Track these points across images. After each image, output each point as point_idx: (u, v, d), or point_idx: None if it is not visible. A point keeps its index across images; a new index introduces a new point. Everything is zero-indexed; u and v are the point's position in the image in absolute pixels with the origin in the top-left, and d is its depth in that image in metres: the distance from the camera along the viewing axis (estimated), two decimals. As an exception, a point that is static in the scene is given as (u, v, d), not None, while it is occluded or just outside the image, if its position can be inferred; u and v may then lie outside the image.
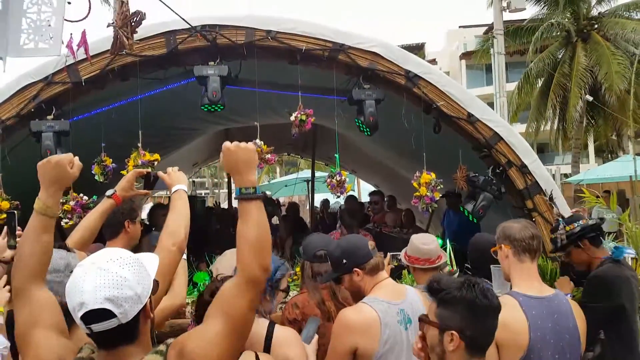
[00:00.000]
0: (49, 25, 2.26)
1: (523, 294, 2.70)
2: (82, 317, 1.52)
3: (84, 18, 2.48)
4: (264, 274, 1.78)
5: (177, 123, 7.55)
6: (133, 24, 2.82)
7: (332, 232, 6.28)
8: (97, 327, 1.52)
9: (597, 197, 5.01)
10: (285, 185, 16.29)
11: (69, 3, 2.33)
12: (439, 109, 4.98)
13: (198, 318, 2.33)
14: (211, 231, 7.68)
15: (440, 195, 4.92)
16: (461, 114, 4.98)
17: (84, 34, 2.61)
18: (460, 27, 43.31)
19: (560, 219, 4.02)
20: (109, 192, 2.82)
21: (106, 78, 4.84)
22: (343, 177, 4.82)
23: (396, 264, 4.23)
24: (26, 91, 4.80)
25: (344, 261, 2.89)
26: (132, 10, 2.86)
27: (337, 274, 2.97)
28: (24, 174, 5.24)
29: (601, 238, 3.63)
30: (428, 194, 4.78)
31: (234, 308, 1.71)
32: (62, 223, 4.71)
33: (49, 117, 4.82)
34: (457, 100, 4.98)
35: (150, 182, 2.83)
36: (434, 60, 39.70)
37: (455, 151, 5.26)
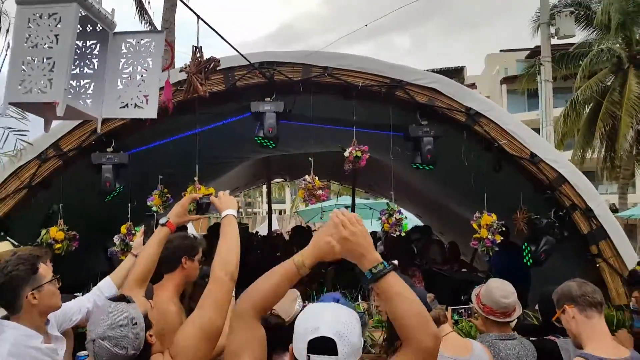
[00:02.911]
0: (146, 86, 2.24)
1: (597, 356, 2.51)
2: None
3: (168, 67, 2.48)
4: (434, 341, 1.71)
5: (225, 153, 7.58)
6: (207, 70, 2.81)
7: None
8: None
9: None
10: (323, 211, 16.12)
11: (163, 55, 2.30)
12: (501, 147, 4.83)
13: None
14: (254, 260, 7.61)
15: (502, 238, 4.72)
16: (524, 154, 4.82)
17: (168, 85, 2.60)
18: (501, 50, 42.78)
19: None
20: (162, 220, 2.79)
21: (165, 113, 4.86)
22: (401, 216, 4.69)
23: (456, 318, 4.01)
24: (87, 124, 4.89)
25: None
26: (205, 56, 2.86)
27: None
28: (82, 204, 5.38)
29: None
30: (489, 236, 4.60)
31: None
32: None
33: (108, 150, 4.90)
34: (520, 139, 4.82)
35: (203, 207, 2.83)
36: (474, 84, 39.15)
37: (515, 191, 5.07)
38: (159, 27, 14.25)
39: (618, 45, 20.66)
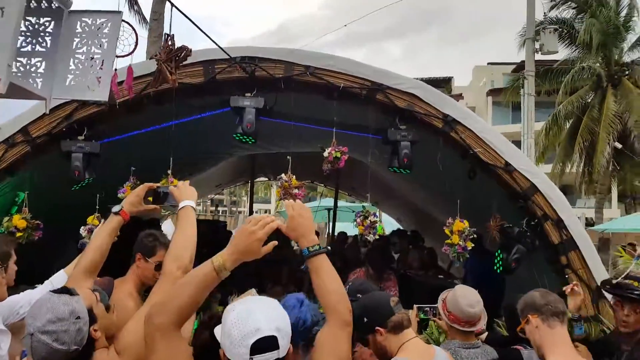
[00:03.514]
0: (99, 69, 2.16)
1: None
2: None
3: (131, 53, 2.44)
4: (350, 315, 2.04)
5: (206, 148, 7.52)
6: (178, 59, 2.76)
7: (356, 270, 6.10)
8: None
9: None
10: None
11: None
12: (476, 155, 4.86)
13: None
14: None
15: (473, 245, 4.74)
16: (498, 162, 4.85)
17: (130, 72, 2.54)
18: (488, 63, 43.24)
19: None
20: (115, 208, 2.62)
21: (141, 102, 4.82)
22: (376, 219, 4.69)
23: (422, 317, 4.00)
24: (59, 110, 4.80)
25: (365, 319, 2.69)
26: (177, 44, 2.81)
27: (360, 333, 2.78)
28: (50, 193, 5.27)
29: None
30: (460, 242, 4.62)
31: (339, 352, 1.99)
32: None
33: (79, 138, 4.81)
34: (495, 147, 4.86)
35: (161, 197, 2.68)
36: (461, 95, 39.50)
37: (489, 199, 5.11)
38: (148, 19, 14.13)
39: (598, 64, 21.07)
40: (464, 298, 3.23)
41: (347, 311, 2.03)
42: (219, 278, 1.83)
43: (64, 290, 2.02)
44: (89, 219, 4.82)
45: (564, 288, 3.62)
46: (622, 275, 3.52)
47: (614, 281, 3.57)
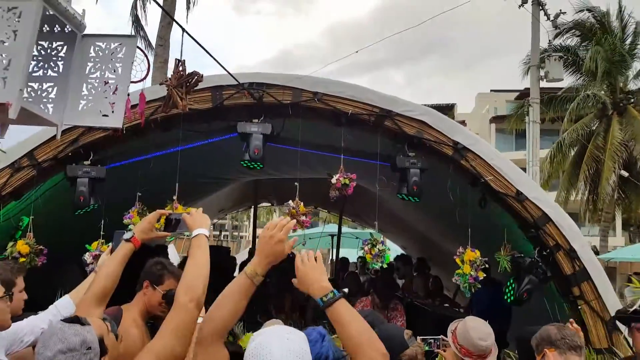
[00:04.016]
0: (113, 94, 2.11)
1: None
2: None
3: (144, 78, 2.41)
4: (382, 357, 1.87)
5: (211, 173, 7.48)
6: (188, 84, 2.73)
7: (362, 299, 5.98)
8: None
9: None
10: (310, 238, 15.97)
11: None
12: (487, 183, 4.79)
13: None
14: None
15: (484, 275, 4.63)
16: (509, 191, 4.78)
17: (142, 97, 2.50)
18: (491, 90, 43.49)
19: None
20: (126, 236, 2.56)
21: (148, 127, 4.77)
22: (384, 247, 4.60)
23: (427, 349, 3.86)
24: (66, 134, 4.75)
25: None
26: (188, 70, 2.78)
27: None
28: (54, 217, 5.21)
29: None
30: (472, 272, 4.52)
31: None
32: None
33: (85, 163, 4.76)
34: (506, 176, 4.79)
35: (172, 224, 2.63)
36: (464, 121, 39.65)
37: (500, 228, 5.02)
38: (154, 45, 14.29)
39: (603, 92, 21.16)
40: (476, 331, 3.14)
41: (378, 354, 1.86)
42: (254, 284, 1.92)
43: (75, 320, 1.95)
44: (94, 245, 4.74)
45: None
46: (637, 304, 3.42)
47: (630, 309, 3.46)
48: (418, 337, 3.75)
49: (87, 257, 4.63)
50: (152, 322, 3.14)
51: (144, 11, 15.72)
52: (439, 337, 3.72)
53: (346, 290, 2.14)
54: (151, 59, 13.07)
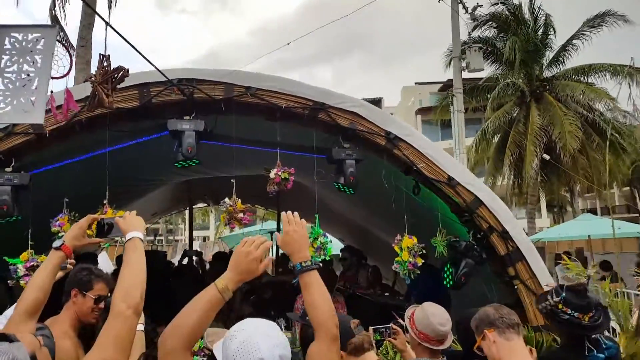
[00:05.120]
0: (34, 88, 1.95)
1: None
2: None
3: (66, 74, 2.25)
4: (338, 330, 2.13)
5: (143, 174, 7.21)
6: (114, 80, 2.59)
7: (301, 295, 5.96)
8: None
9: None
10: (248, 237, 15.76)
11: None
12: (419, 171, 4.90)
13: None
14: (173, 292, 7.21)
15: (423, 261, 4.74)
16: (441, 177, 4.91)
17: (69, 94, 2.34)
18: (416, 83, 44.71)
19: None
20: (56, 243, 2.44)
21: (72, 130, 4.54)
22: (326, 240, 4.60)
23: (378, 338, 3.92)
24: (-17, 140, 4.43)
25: None
26: (113, 65, 2.65)
27: None
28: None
29: None
30: (410, 259, 4.61)
31: None
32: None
33: (7, 170, 4.46)
34: (438, 163, 4.92)
35: (105, 229, 2.53)
36: (391, 114, 40.54)
37: (435, 214, 5.15)
38: (75, 46, 13.63)
39: (521, 80, 22.24)
40: (436, 317, 3.22)
41: (335, 326, 2.11)
42: (224, 299, 1.93)
43: (3, 337, 1.80)
44: (23, 256, 4.44)
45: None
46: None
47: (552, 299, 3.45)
48: (370, 327, 3.81)
49: (20, 269, 4.33)
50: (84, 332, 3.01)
51: (63, 11, 14.95)
52: (389, 325, 3.78)
53: (320, 263, 2.41)
54: (73, 60, 12.44)
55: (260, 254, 1.99)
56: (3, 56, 1.96)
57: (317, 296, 2.11)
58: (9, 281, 4.30)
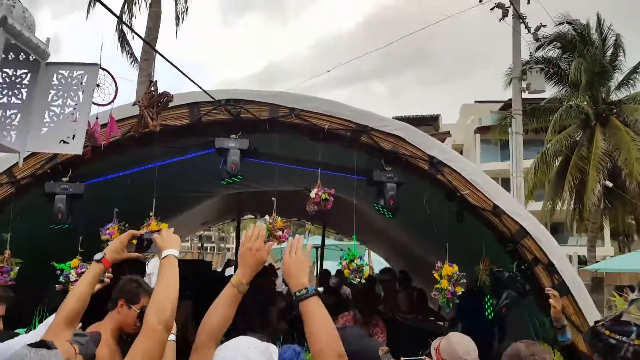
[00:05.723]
0: (73, 121, 2.11)
1: None
2: None
3: (111, 102, 2.39)
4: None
5: (191, 187, 7.45)
6: (160, 104, 2.72)
7: (344, 314, 5.96)
8: None
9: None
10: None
11: (98, 86, 2.20)
12: (463, 197, 4.81)
13: None
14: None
15: (463, 289, 4.64)
16: (486, 205, 4.80)
17: (112, 119, 2.50)
18: (476, 101, 43.84)
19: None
20: (97, 256, 2.55)
21: (126, 144, 4.77)
22: (363, 262, 4.59)
23: None
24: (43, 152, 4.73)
25: None
26: (160, 90, 2.78)
27: None
28: (33, 234, 5.15)
29: None
30: (449, 287, 4.52)
31: None
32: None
33: (64, 179, 4.73)
34: (483, 190, 4.82)
35: (144, 245, 2.62)
36: (448, 132, 39.89)
37: (478, 242, 5.04)
38: (139, 59, 14.32)
39: (586, 102, 21.39)
40: (461, 346, 3.12)
41: (336, 357, 1.95)
42: (240, 293, 2.09)
43: (41, 344, 1.93)
44: (73, 263, 4.69)
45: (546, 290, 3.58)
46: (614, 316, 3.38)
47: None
48: (401, 359, 3.75)
49: (72, 274, 4.56)
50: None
51: (130, 26, 15.80)
52: (422, 357, 3.71)
53: (321, 289, 2.23)
54: (136, 73, 13.07)
55: (259, 244, 2.11)
56: (51, 90, 2.14)
57: (313, 326, 2.00)
58: (57, 286, 4.52)
